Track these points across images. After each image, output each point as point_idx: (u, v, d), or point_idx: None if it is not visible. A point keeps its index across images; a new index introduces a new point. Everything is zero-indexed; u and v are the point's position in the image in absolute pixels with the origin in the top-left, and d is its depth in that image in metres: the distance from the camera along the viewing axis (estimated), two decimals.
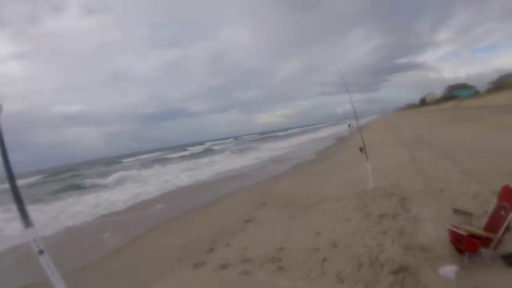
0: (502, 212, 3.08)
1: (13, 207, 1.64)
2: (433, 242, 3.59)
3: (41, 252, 1.00)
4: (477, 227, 3.27)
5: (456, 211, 3.57)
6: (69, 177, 31.57)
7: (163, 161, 34.26)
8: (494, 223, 3.14)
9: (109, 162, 51.07)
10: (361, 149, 6.89)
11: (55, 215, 10.54)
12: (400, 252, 3.52)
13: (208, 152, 39.21)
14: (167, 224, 7.39)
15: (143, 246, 6.07)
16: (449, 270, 2.91)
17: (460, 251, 3.12)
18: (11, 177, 1.20)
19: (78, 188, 18.66)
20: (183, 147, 65.86)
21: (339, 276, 3.31)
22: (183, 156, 36.63)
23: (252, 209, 7.09)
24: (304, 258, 3.88)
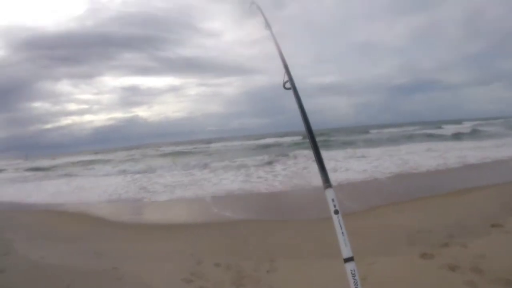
0: None
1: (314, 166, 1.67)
2: None
3: (336, 212, 1.05)
4: None
5: None
6: (321, 141, 36.17)
7: (412, 137, 30.91)
8: None
9: (357, 131, 52.68)
10: None
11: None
12: None
13: (475, 134, 30.34)
14: (401, 202, 7.53)
15: (378, 217, 6.64)
16: None
17: None
18: (312, 137, 1.22)
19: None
20: (437, 124, 56.37)
21: None
22: (440, 135, 30.73)
23: (503, 212, 5.76)
24: None
